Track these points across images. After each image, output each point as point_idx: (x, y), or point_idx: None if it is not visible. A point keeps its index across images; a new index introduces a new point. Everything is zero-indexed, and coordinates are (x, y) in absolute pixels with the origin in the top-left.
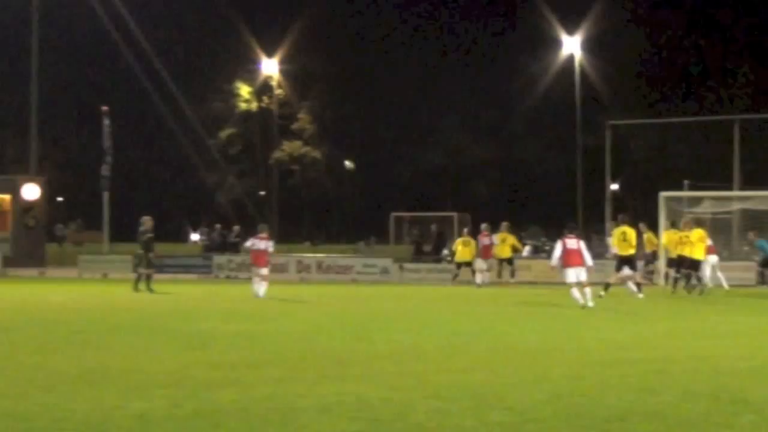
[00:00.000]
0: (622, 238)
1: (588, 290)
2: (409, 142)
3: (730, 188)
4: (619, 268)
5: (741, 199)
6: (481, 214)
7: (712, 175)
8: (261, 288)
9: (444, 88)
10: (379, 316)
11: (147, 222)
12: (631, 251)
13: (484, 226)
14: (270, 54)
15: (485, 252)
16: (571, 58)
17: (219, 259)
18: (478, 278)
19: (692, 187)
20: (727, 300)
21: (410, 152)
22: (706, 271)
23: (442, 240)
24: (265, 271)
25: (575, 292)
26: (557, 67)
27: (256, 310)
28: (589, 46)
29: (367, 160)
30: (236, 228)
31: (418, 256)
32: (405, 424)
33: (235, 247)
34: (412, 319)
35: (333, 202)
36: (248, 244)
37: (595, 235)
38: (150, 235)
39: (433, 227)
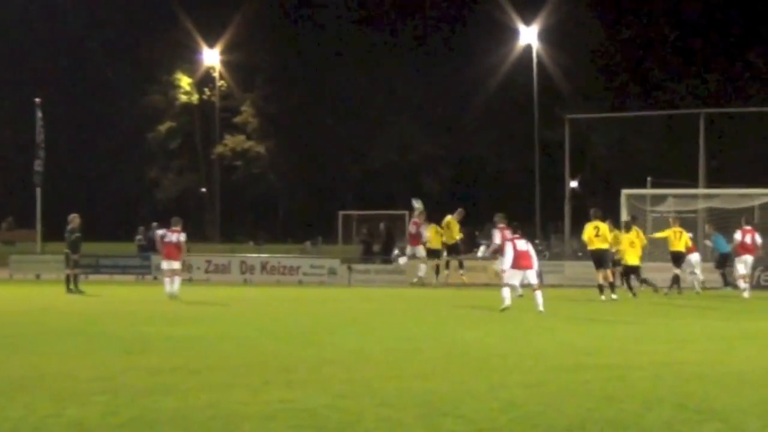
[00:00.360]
0: (594, 233)
1: (539, 294)
2: (358, 137)
3: (695, 186)
4: (599, 266)
5: (706, 198)
6: (434, 212)
7: (677, 171)
8: (174, 284)
9: (394, 80)
10: (326, 320)
11: (74, 220)
12: (605, 246)
13: (418, 211)
14: (211, 44)
15: (411, 240)
16: (528, 49)
17: (158, 259)
18: (400, 259)
19: (656, 185)
20: (691, 303)
21: (359, 147)
22: (692, 269)
23: (391, 239)
24: (177, 264)
25: (506, 291)
26: (514, 59)
27: (197, 312)
28: (547, 37)
29: (314, 155)
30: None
31: (367, 256)
32: None
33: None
34: (361, 322)
35: (278, 200)
36: (160, 232)
37: (553, 234)
38: (78, 234)
39: (382, 226)
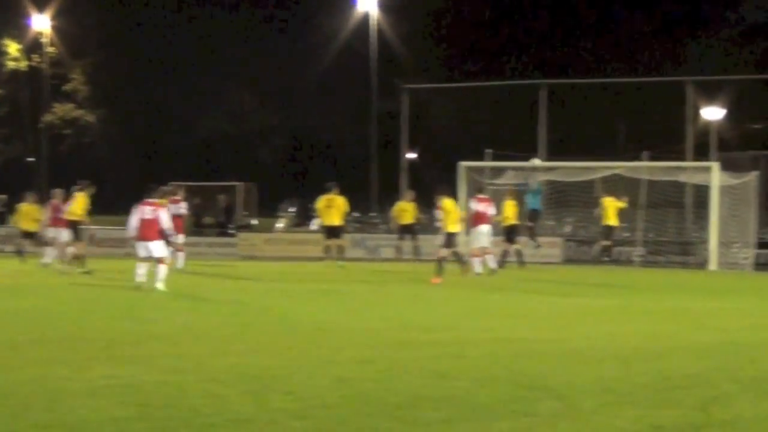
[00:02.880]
0: (326, 205)
1: (163, 268)
2: (190, 106)
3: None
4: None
5: (546, 171)
6: (268, 183)
7: (517, 143)
8: None
9: (227, 47)
10: (153, 294)
11: None
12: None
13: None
14: (41, 8)
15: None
16: (366, 17)
17: None
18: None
19: (495, 157)
20: (527, 278)
21: (190, 117)
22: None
23: (231, 211)
24: None
25: (140, 269)
26: (351, 27)
27: (20, 286)
28: (386, 4)
29: (146, 125)
30: (3, 197)
31: (199, 228)
32: (179, 410)
33: (1, 218)
34: (189, 297)
35: (108, 170)
36: None
37: (390, 207)
38: None
39: (222, 198)
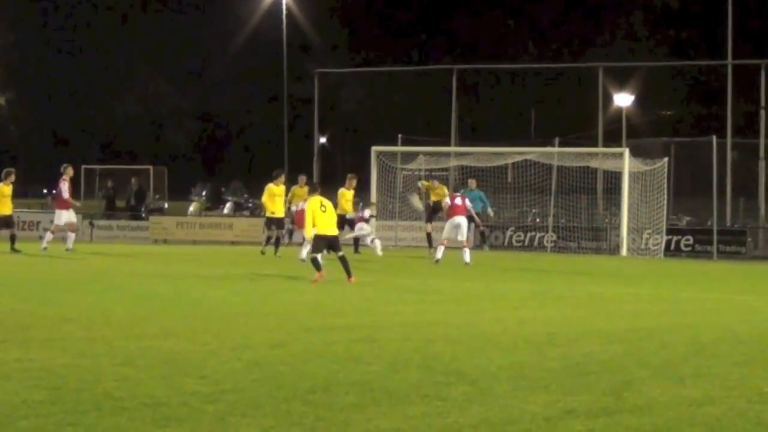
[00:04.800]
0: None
1: None
2: (102, 89)
3: (447, 144)
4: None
5: (458, 156)
6: (180, 166)
7: (430, 128)
8: None
9: (140, 30)
10: (66, 277)
11: None
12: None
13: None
14: None
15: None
16: (278, 1)
17: None
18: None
19: (407, 142)
20: (442, 263)
21: (103, 99)
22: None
23: (143, 194)
24: None
25: None
26: (263, 11)
27: None
28: None
29: (57, 107)
30: None
31: (111, 211)
32: (92, 393)
33: None
34: (103, 280)
35: (18, 153)
36: None
37: None
38: None
39: (133, 181)
